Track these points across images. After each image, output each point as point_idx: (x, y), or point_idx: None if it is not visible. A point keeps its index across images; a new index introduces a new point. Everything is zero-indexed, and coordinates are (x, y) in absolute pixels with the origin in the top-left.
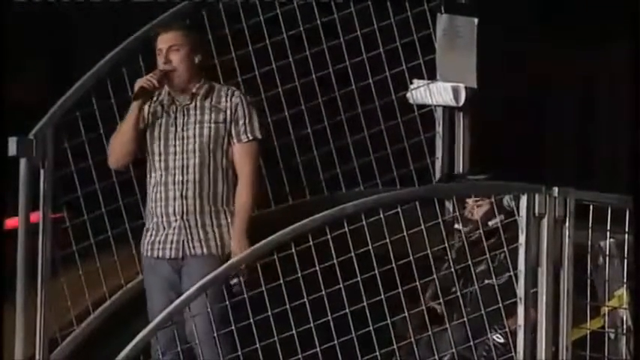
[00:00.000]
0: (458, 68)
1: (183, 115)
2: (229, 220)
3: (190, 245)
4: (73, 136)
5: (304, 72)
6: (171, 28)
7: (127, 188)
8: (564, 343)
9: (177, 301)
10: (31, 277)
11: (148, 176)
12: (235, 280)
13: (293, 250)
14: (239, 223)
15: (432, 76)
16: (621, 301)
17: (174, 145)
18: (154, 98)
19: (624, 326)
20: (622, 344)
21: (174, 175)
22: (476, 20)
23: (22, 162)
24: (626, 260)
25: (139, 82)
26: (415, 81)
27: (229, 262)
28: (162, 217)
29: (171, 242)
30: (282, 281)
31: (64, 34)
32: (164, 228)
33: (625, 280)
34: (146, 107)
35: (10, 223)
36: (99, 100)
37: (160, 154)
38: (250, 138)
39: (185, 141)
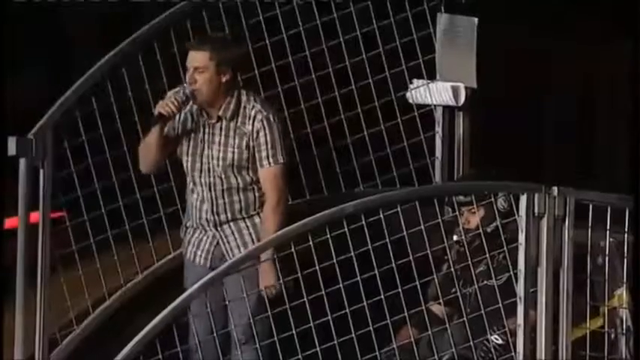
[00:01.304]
0: (458, 68)
1: (209, 133)
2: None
3: (230, 255)
4: (73, 136)
5: (304, 72)
6: (198, 48)
7: (126, 188)
8: (564, 343)
9: (176, 302)
10: (30, 277)
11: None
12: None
13: (293, 250)
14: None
15: (431, 76)
16: (621, 301)
17: (201, 162)
18: (185, 107)
19: (624, 326)
20: (622, 344)
21: (203, 191)
22: (476, 20)
23: (22, 162)
24: (625, 260)
25: (159, 108)
26: (415, 81)
27: (227, 263)
28: (197, 221)
29: (203, 251)
30: (281, 280)
31: (64, 34)
32: (201, 232)
33: (625, 280)
34: (177, 116)
35: (10, 222)
36: (98, 100)
37: (186, 168)
38: (272, 163)
39: (210, 160)
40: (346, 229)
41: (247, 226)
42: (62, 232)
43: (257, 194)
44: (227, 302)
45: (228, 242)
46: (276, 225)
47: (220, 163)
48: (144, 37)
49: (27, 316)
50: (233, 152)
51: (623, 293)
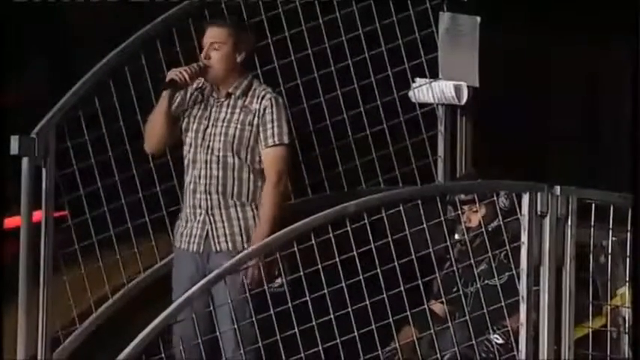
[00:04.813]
0: (460, 67)
1: (216, 111)
2: (255, 212)
3: (216, 241)
4: (75, 135)
5: (306, 71)
6: (216, 24)
7: (129, 187)
8: (566, 342)
9: (179, 301)
10: (33, 276)
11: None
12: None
13: (295, 249)
14: (260, 230)
15: (434, 75)
16: (623, 300)
17: (203, 139)
18: (196, 85)
19: (626, 325)
20: (624, 343)
21: (199, 169)
22: (478, 18)
23: (24, 161)
24: (628, 259)
25: (171, 74)
26: (417, 79)
27: (229, 262)
28: (190, 208)
29: (195, 236)
30: (284, 280)
31: (64, 34)
32: (191, 220)
33: (627, 279)
34: (188, 93)
35: (11, 222)
36: (101, 98)
37: (189, 145)
38: (277, 142)
39: (212, 137)
40: (349, 228)
41: (238, 217)
42: (64, 230)
43: (252, 183)
44: (212, 309)
45: (217, 229)
46: (273, 204)
47: (222, 139)
48: (145, 36)
49: (30, 315)
50: (235, 128)
51: (625, 292)
